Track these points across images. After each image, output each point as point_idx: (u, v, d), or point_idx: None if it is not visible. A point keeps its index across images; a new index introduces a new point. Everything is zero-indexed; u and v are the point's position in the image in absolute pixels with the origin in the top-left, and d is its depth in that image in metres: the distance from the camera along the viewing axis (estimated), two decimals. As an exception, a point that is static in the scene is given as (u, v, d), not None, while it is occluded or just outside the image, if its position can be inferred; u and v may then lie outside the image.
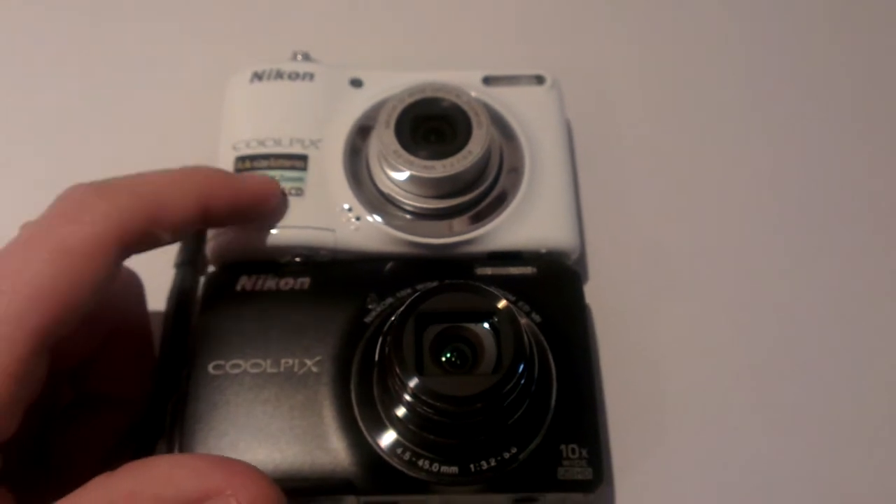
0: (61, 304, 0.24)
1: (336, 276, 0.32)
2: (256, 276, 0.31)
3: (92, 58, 0.43)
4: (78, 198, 0.26)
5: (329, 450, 0.28)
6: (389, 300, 0.31)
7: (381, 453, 0.28)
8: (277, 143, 0.34)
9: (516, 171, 0.34)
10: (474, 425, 0.27)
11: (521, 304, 0.31)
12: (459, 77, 0.35)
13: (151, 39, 0.44)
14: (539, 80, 0.37)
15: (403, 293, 0.31)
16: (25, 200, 0.39)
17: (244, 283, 0.31)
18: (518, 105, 0.36)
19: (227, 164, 0.33)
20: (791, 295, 0.36)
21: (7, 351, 0.23)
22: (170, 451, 0.29)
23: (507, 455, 0.28)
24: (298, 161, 0.33)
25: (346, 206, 0.33)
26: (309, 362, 0.30)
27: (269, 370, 0.29)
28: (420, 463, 0.27)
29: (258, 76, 0.35)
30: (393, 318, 0.28)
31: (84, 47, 0.43)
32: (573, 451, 0.28)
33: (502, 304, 0.27)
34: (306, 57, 0.37)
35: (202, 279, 0.34)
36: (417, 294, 0.28)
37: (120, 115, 0.41)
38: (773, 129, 0.41)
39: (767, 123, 0.41)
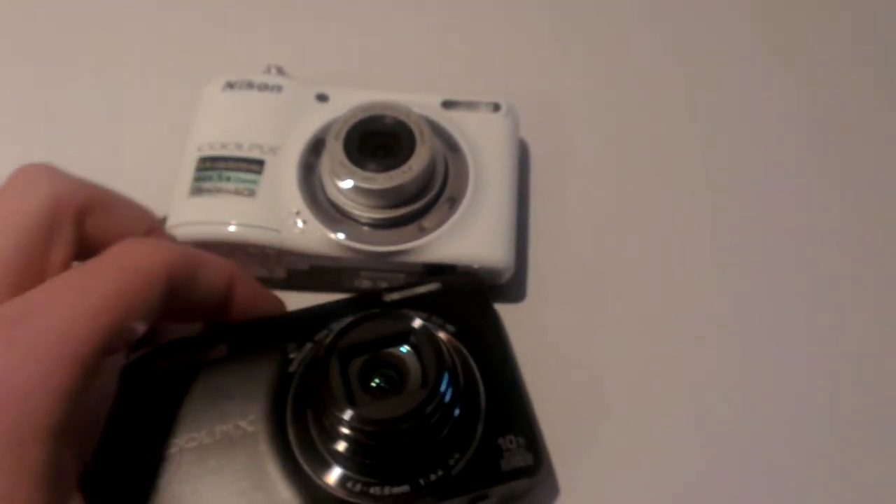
0: (127, 311, 0.26)
1: (251, 335, 0.32)
2: (174, 356, 0.31)
3: (78, 63, 0.46)
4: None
5: (281, 501, 0.28)
6: (309, 345, 0.31)
7: (332, 491, 0.28)
8: (238, 147, 0.36)
9: (460, 190, 0.36)
10: (414, 442, 0.28)
11: (433, 318, 0.32)
12: (420, 99, 0.38)
13: (140, 47, 0.47)
14: (496, 107, 0.39)
15: (321, 335, 0.31)
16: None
17: (163, 364, 0.31)
18: (471, 129, 0.38)
19: (190, 162, 0.36)
20: (728, 309, 0.38)
21: (86, 338, 0.24)
22: None
23: (451, 462, 0.28)
24: (255, 165, 0.36)
25: (294, 210, 0.35)
26: (243, 423, 0.29)
27: (206, 441, 0.29)
28: (372, 491, 0.28)
29: (230, 85, 0.38)
30: (316, 360, 0.29)
31: (69, 54, 0.46)
32: (510, 441, 0.29)
33: (417, 323, 0.29)
34: (280, 71, 0.39)
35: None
36: (335, 333, 0.29)
37: (100, 117, 0.44)
38: (716, 155, 0.43)
39: (711, 150, 0.43)
